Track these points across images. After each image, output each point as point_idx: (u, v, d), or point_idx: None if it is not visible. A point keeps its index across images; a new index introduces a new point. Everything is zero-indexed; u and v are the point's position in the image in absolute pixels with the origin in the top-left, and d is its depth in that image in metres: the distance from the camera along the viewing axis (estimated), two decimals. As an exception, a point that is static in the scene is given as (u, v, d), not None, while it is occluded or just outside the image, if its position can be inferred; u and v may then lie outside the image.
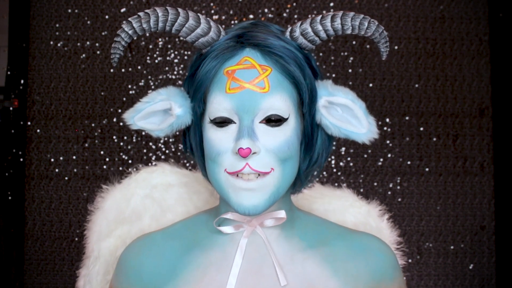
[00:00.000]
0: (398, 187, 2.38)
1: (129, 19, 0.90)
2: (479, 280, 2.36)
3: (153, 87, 2.38)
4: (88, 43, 2.39)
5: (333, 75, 2.40)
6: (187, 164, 2.35)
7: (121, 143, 2.37)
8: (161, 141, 2.36)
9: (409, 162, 2.39)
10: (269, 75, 0.87)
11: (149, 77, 2.38)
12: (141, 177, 1.18)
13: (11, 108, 2.35)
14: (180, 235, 0.97)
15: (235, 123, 0.87)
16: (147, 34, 2.37)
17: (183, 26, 0.90)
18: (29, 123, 2.37)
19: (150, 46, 2.39)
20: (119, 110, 2.37)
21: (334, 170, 2.38)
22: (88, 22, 2.39)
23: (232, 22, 2.40)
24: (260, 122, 0.87)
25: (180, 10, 0.90)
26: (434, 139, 2.40)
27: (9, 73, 2.37)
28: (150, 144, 2.37)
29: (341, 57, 2.41)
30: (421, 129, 2.40)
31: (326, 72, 2.39)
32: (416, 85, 2.41)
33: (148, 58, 2.39)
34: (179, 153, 2.36)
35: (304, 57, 0.91)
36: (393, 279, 0.94)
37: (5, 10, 2.40)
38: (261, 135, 0.86)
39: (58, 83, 2.39)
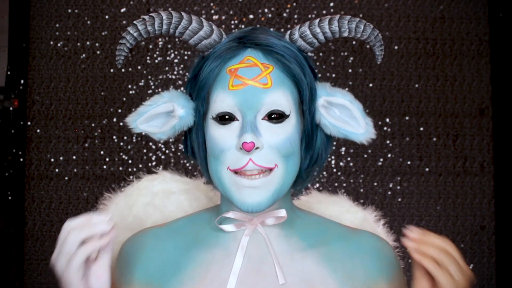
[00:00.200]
0: (398, 187, 2.38)
1: (134, 22, 0.92)
2: (479, 280, 2.36)
3: (153, 87, 2.38)
4: (88, 43, 2.40)
5: (333, 75, 2.40)
6: (188, 165, 2.35)
7: (121, 143, 2.37)
8: (161, 141, 2.36)
9: (409, 162, 2.39)
10: (271, 73, 0.89)
11: (149, 77, 2.39)
12: (143, 185, 1.20)
13: (11, 108, 2.35)
14: (183, 232, 0.98)
15: (238, 120, 0.89)
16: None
17: (186, 29, 0.92)
18: (29, 123, 2.37)
19: (150, 46, 2.40)
20: (119, 110, 2.37)
21: (334, 170, 2.38)
22: (88, 22, 2.40)
23: (232, 22, 2.41)
24: (262, 119, 0.88)
25: (183, 13, 0.93)
26: (434, 139, 2.40)
27: (9, 73, 2.37)
28: (150, 144, 2.37)
29: (341, 57, 2.41)
30: (421, 129, 2.40)
31: (326, 72, 2.40)
32: (416, 85, 2.41)
33: (148, 58, 2.39)
34: (179, 153, 2.36)
35: (304, 58, 0.93)
36: (391, 278, 0.95)
37: (5, 10, 2.41)
38: (264, 131, 0.88)
39: (58, 83, 2.39)
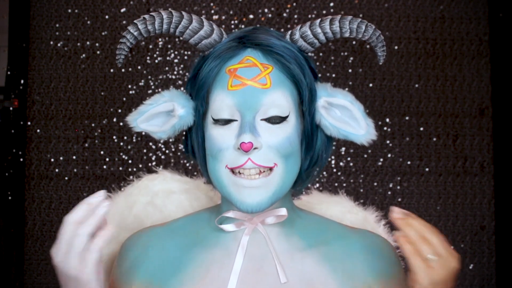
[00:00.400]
0: (398, 187, 2.38)
1: (135, 21, 0.92)
2: (479, 280, 2.36)
3: (153, 87, 2.38)
4: (88, 43, 2.39)
5: (333, 75, 2.40)
6: (188, 165, 2.35)
7: (121, 143, 2.37)
8: (161, 141, 2.36)
9: (409, 162, 2.39)
10: (271, 73, 0.89)
11: (149, 77, 2.39)
12: (143, 185, 1.20)
13: (11, 108, 2.35)
14: (183, 232, 0.98)
15: (236, 120, 0.88)
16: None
17: (187, 28, 0.92)
18: (29, 123, 2.37)
19: (150, 46, 2.40)
20: (119, 110, 2.37)
21: (334, 170, 2.38)
22: (88, 22, 2.40)
23: (232, 22, 2.41)
24: (261, 120, 0.88)
25: (184, 13, 0.93)
26: (434, 139, 2.40)
27: (9, 73, 2.37)
28: (150, 144, 2.37)
29: (341, 57, 2.41)
30: (421, 129, 2.40)
31: (326, 72, 2.40)
32: (416, 85, 2.41)
33: (148, 58, 2.39)
34: (179, 153, 2.36)
35: (304, 58, 0.93)
36: (391, 277, 0.95)
37: (5, 10, 2.41)
38: (263, 132, 0.88)
39: (58, 83, 2.39)
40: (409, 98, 2.41)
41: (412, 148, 2.40)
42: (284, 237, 0.94)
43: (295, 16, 2.41)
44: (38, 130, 2.38)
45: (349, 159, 2.38)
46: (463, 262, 2.37)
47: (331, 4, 2.42)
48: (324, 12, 2.41)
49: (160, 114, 0.95)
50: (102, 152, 2.37)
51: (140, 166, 2.36)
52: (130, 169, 2.36)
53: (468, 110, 2.41)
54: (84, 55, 2.39)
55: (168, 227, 0.99)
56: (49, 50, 2.39)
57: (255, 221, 0.93)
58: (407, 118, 2.40)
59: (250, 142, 0.84)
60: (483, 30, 2.43)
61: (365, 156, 2.39)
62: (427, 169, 2.39)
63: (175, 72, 2.39)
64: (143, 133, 2.31)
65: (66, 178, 2.37)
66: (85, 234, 0.81)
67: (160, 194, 1.18)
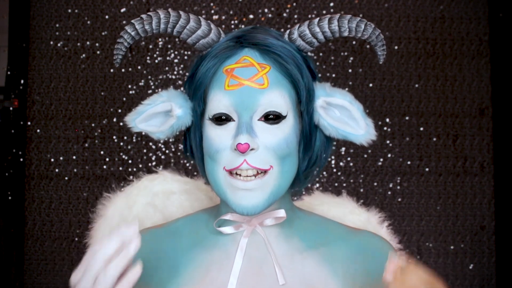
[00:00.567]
0: (398, 187, 2.38)
1: (132, 21, 0.92)
2: (479, 280, 2.36)
3: (153, 87, 2.38)
4: (88, 43, 2.39)
5: (333, 75, 2.40)
6: (188, 165, 2.35)
7: (121, 143, 2.37)
8: (161, 141, 2.36)
9: (409, 162, 2.39)
10: (268, 73, 0.88)
11: (149, 77, 2.39)
12: (143, 185, 1.20)
13: (11, 108, 2.35)
14: (182, 233, 0.97)
15: (234, 120, 0.88)
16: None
17: (184, 27, 0.91)
18: (29, 123, 2.37)
19: (150, 46, 2.40)
20: (119, 110, 2.37)
21: (334, 170, 2.38)
22: (88, 22, 2.40)
23: (232, 22, 2.41)
24: (258, 120, 0.87)
25: (181, 12, 0.92)
26: (434, 139, 2.40)
27: (9, 73, 2.37)
28: (150, 144, 2.37)
29: (341, 57, 2.41)
30: (421, 129, 2.40)
31: (326, 72, 2.39)
32: (416, 85, 2.41)
33: (148, 58, 2.39)
34: (179, 153, 2.36)
35: (303, 58, 0.92)
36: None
37: (5, 10, 2.41)
38: (260, 132, 0.87)
39: (58, 83, 2.39)
40: (409, 98, 2.41)
41: (412, 148, 2.40)
42: (283, 238, 0.94)
43: (295, 16, 2.41)
44: (38, 130, 2.38)
45: (349, 159, 2.38)
46: (463, 262, 2.37)
47: (331, 4, 2.42)
48: (324, 12, 2.41)
49: (158, 115, 0.95)
50: (102, 152, 2.37)
51: (140, 166, 2.36)
52: (130, 169, 2.36)
53: (468, 110, 2.41)
54: (84, 55, 2.39)
55: (166, 228, 0.99)
56: (49, 50, 2.39)
57: (254, 222, 0.92)
58: (407, 118, 2.40)
59: (247, 143, 0.84)
60: (483, 30, 2.43)
61: (365, 156, 2.39)
62: (427, 169, 2.39)
63: (175, 72, 2.39)
64: (143, 133, 2.31)
65: (66, 178, 2.37)
66: (114, 276, 0.74)
67: (160, 195, 1.17)
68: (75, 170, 2.37)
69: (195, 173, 2.22)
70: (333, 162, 2.38)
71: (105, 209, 1.18)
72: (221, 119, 0.88)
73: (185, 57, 2.40)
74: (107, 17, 2.40)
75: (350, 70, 2.40)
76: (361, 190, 2.37)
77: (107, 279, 0.73)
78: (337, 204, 1.20)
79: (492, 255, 2.38)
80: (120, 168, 2.36)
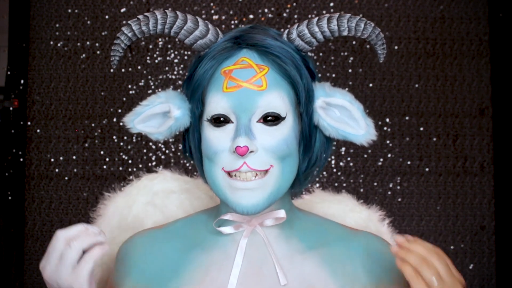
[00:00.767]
0: (398, 187, 2.38)
1: (129, 22, 0.91)
2: (479, 280, 2.36)
3: (153, 87, 2.38)
4: (88, 43, 2.39)
5: (333, 75, 2.40)
6: (187, 165, 2.35)
7: (121, 143, 2.37)
8: (161, 141, 2.36)
9: (409, 162, 2.39)
10: (266, 74, 0.87)
11: (149, 77, 2.39)
12: (143, 184, 1.19)
13: (11, 108, 2.35)
14: (181, 234, 0.97)
15: (232, 122, 0.87)
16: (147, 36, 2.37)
17: (182, 28, 0.91)
18: (29, 123, 2.37)
19: (150, 46, 2.40)
20: (119, 110, 2.37)
21: (334, 170, 2.38)
22: (88, 22, 2.40)
23: (232, 22, 2.40)
24: (257, 121, 0.87)
25: (178, 13, 0.91)
26: (434, 139, 2.40)
27: (9, 73, 2.37)
28: (150, 144, 2.37)
29: (341, 57, 2.41)
30: (421, 129, 2.40)
31: (326, 72, 2.39)
32: (416, 85, 2.41)
33: (148, 58, 2.39)
34: (179, 153, 2.36)
35: (302, 58, 0.91)
36: (391, 280, 0.94)
37: (5, 10, 2.41)
38: (259, 134, 0.86)
39: (58, 83, 2.39)
40: (409, 98, 2.41)
41: (412, 148, 2.40)
42: (283, 239, 0.93)
43: (295, 16, 2.41)
44: (38, 130, 2.38)
45: (349, 159, 2.38)
46: (463, 262, 2.37)
47: (331, 4, 2.42)
48: (324, 12, 2.41)
49: (156, 116, 0.94)
50: (102, 152, 2.37)
51: (140, 166, 2.36)
52: (130, 169, 2.36)
53: (468, 110, 2.41)
54: (84, 55, 2.39)
55: (166, 230, 0.98)
56: (49, 50, 2.39)
57: (254, 223, 0.92)
58: (407, 118, 2.40)
59: (246, 146, 0.83)
60: (483, 30, 2.43)
61: (365, 156, 2.39)
62: (427, 169, 2.39)
63: (175, 72, 2.39)
64: (143, 133, 2.31)
65: (66, 178, 2.37)
66: (78, 247, 0.81)
67: (160, 194, 1.17)
68: (75, 170, 2.37)
69: (195, 173, 2.22)
70: (333, 162, 2.38)
71: (105, 209, 1.18)
72: (219, 121, 0.87)
73: (185, 57, 2.40)
74: (107, 17, 2.40)
75: (350, 70, 2.40)
76: (361, 190, 2.37)
77: (71, 254, 0.79)
78: (337, 201, 1.19)
79: (492, 255, 2.38)
80: (120, 168, 2.36)
